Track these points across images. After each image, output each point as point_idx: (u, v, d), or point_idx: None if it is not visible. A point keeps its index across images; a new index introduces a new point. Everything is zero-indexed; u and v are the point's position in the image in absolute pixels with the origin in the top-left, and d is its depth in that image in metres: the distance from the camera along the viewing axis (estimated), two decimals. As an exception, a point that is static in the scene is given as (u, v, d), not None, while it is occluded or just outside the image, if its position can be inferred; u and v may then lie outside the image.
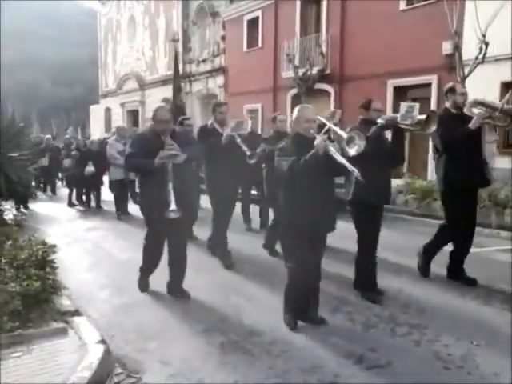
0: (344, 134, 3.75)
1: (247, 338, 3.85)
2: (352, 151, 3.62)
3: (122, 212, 9.99)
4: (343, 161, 3.60)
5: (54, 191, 14.63)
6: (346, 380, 3.22)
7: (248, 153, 5.66)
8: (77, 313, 4.13)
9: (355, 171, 3.59)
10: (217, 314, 4.41)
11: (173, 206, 4.32)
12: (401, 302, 4.68)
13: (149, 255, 4.96)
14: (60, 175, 15.69)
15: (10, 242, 5.13)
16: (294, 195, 3.85)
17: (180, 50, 24.87)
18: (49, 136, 15.21)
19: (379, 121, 4.64)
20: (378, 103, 4.91)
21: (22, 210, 10.48)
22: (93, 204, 11.71)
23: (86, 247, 7.37)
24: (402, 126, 4.49)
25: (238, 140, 5.68)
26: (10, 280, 4.14)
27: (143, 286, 5.06)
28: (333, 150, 3.61)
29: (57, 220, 10.04)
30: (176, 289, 4.89)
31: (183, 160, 4.40)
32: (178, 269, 4.84)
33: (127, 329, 4.08)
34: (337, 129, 3.88)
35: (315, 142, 3.65)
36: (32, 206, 11.31)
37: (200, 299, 4.81)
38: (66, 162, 12.12)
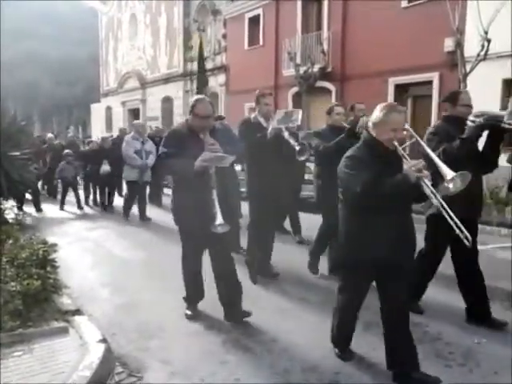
0: (449, 172, 3.01)
1: (249, 337, 3.84)
2: (450, 188, 2.97)
3: (128, 214, 9.53)
4: (438, 198, 2.91)
5: (54, 194, 13.18)
6: (346, 379, 3.21)
7: (297, 147, 4.82)
8: (77, 312, 4.13)
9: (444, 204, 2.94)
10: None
11: (220, 219, 3.69)
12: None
13: (191, 277, 4.34)
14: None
15: (10, 241, 5.13)
16: (363, 218, 3.03)
17: (181, 48, 24.89)
18: (51, 135, 14.35)
19: (473, 119, 3.85)
20: (467, 95, 4.14)
21: (35, 213, 10.35)
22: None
23: (100, 254, 7.37)
24: (507, 127, 3.66)
25: (286, 134, 4.85)
26: (11, 279, 4.14)
27: (193, 315, 4.29)
28: (426, 183, 2.86)
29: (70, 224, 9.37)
30: (236, 313, 4.14)
31: (229, 163, 3.78)
32: (230, 288, 4.14)
33: (128, 328, 4.07)
34: (440, 163, 3.13)
35: (404, 167, 2.89)
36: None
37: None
38: (103, 169, 10.76)
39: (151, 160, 9.06)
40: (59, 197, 11.89)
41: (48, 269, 4.60)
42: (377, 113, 3.05)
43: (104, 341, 3.50)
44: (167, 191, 11.06)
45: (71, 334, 3.67)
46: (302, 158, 4.91)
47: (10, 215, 7.57)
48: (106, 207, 10.92)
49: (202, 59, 11.73)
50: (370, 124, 3.10)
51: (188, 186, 3.86)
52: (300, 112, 5.01)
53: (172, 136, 4.01)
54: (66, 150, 11.53)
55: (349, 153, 3.10)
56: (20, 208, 9.86)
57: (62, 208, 11.11)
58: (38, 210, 10.58)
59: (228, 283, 4.14)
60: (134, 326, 4.12)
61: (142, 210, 9.41)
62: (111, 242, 7.65)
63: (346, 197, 3.11)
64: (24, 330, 3.60)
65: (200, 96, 3.97)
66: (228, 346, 3.68)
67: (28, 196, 10.40)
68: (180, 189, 4.02)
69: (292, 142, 4.83)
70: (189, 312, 4.31)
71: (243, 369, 3.33)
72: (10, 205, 7.90)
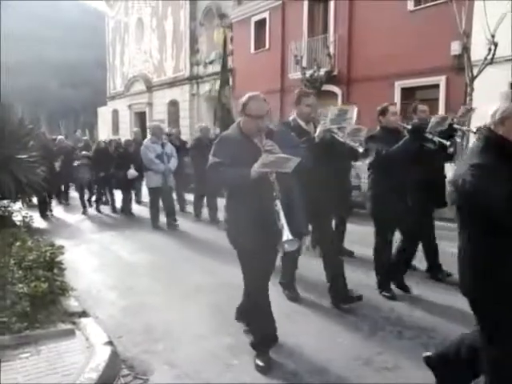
0: None
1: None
2: None
3: (157, 222, 8.85)
4: None
5: (66, 198, 12.57)
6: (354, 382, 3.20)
7: (361, 149, 4.24)
8: (84, 314, 4.14)
9: None
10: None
11: (287, 234, 2.99)
12: (409, 305, 4.65)
13: (261, 314, 3.55)
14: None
15: (18, 243, 5.16)
16: (502, 240, 2.36)
17: (187, 51, 24.98)
18: (62, 137, 13.59)
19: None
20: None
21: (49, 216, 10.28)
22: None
23: (107, 257, 7.39)
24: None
25: (340, 135, 4.29)
26: (19, 281, 4.16)
27: (265, 366, 3.37)
28: None
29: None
30: None
31: (294, 166, 3.14)
32: None
33: (134, 330, 4.08)
34: None
35: None
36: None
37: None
38: (131, 174, 10.26)
39: (173, 164, 8.79)
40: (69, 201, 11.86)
41: (55, 271, 4.62)
42: (504, 104, 2.43)
43: (110, 343, 3.51)
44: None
45: (78, 336, 3.69)
46: (367, 162, 4.52)
47: (17, 217, 7.60)
48: (126, 212, 10.55)
49: (225, 56, 11.14)
50: (492, 120, 2.46)
51: (245, 199, 3.29)
52: (355, 109, 4.51)
53: (223, 143, 3.41)
54: (83, 152, 11.32)
55: (475, 160, 2.40)
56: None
57: (85, 212, 10.78)
58: (44, 216, 10.31)
59: None
60: (140, 328, 4.12)
61: (171, 218, 8.81)
62: (123, 246, 7.67)
63: (479, 215, 2.39)
64: (31, 332, 3.61)
65: (253, 93, 3.41)
66: (234, 350, 3.68)
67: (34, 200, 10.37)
68: (236, 202, 3.41)
69: (351, 143, 4.30)
70: (260, 363, 3.38)
71: (249, 372, 3.33)
72: (17, 207, 7.94)
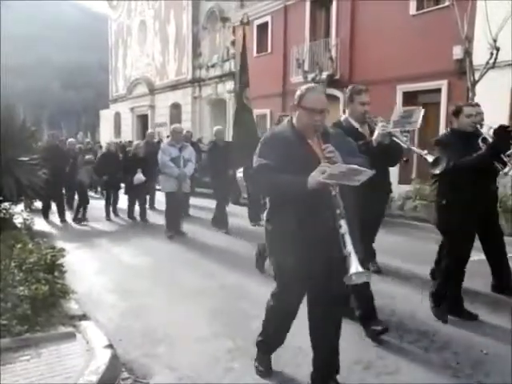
0: None
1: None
2: None
3: (173, 231, 8.31)
4: None
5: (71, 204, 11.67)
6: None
7: (430, 159, 3.67)
8: (84, 317, 4.14)
9: None
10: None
11: (356, 265, 2.47)
12: (410, 309, 4.64)
13: (278, 323, 3.32)
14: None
15: (19, 246, 5.16)
16: None
17: (190, 54, 25.04)
18: (72, 139, 12.98)
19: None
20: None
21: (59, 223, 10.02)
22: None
23: (107, 260, 7.38)
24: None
25: (404, 140, 3.81)
26: (19, 284, 4.16)
27: (264, 371, 3.32)
28: None
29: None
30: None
31: (364, 180, 2.66)
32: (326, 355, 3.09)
33: (135, 333, 4.08)
34: None
35: None
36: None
37: None
38: (137, 178, 9.96)
39: (190, 169, 8.39)
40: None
41: (56, 274, 4.62)
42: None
43: (110, 346, 3.50)
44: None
45: (78, 339, 3.68)
46: (437, 172, 3.83)
47: (18, 220, 7.62)
48: (133, 217, 10.32)
49: (245, 55, 10.59)
50: None
51: (295, 212, 2.77)
52: (422, 111, 4.02)
53: (271, 141, 2.89)
54: (87, 156, 11.04)
55: None
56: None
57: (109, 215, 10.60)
58: (63, 220, 10.10)
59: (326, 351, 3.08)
60: (140, 331, 4.12)
61: (178, 223, 8.50)
62: (120, 248, 7.68)
63: None
64: (31, 335, 3.61)
65: (311, 84, 3.02)
66: (235, 353, 3.68)
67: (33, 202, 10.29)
68: (282, 214, 2.85)
69: (417, 150, 3.84)
70: (261, 368, 3.34)
71: (250, 376, 3.32)
72: (19, 209, 7.95)
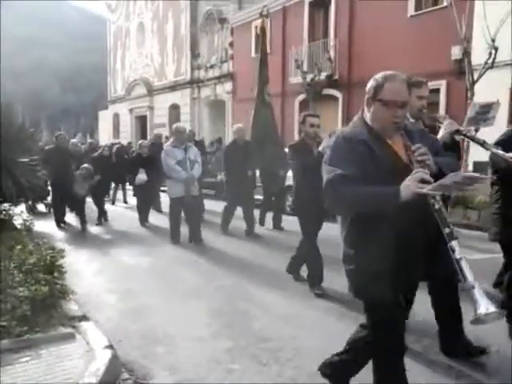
0: None
1: (256, 344, 3.83)
2: None
3: (178, 238, 7.97)
4: None
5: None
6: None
7: None
8: (84, 318, 4.13)
9: None
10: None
11: (486, 304, 1.98)
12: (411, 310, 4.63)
13: (390, 363, 2.52)
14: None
15: (19, 247, 5.15)
16: None
17: (188, 55, 25.05)
18: (75, 140, 12.49)
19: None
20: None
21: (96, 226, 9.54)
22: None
23: (106, 261, 7.38)
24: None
25: (481, 141, 3.20)
26: (19, 284, 4.15)
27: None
28: None
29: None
30: None
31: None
32: None
33: (134, 334, 4.07)
34: None
35: None
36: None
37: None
38: (139, 179, 9.64)
39: (197, 171, 7.84)
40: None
41: (55, 274, 4.61)
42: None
43: (110, 347, 3.49)
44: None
45: (78, 339, 3.67)
46: None
47: (18, 221, 7.60)
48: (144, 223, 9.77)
49: (264, 48, 9.89)
50: None
51: (387, 231, 2.23)
52: (499, 105, 3.61)
53: (344, 146, 2.32)
54: (85, 165, 9.83)
55: None
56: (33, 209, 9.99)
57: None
58: (100, 223, 9.79)
59: None
60: (140, 332, 4.12)
61: (194, 231, 7.90)
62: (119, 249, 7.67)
63: None
64: (31, 336, 3.60)
65: (389, 72, 2.41)
66: (234, 354, 3.67)
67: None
68: (369, 235, 2.30)
69: (500, 151, 3.23)
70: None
71: (249, 377, 3.32)
72: (18, 210, 7.94)
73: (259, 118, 8.38)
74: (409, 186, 2.08)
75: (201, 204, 9.54)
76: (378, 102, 2.34)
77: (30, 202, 10.35)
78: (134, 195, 10.17)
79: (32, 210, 10.64)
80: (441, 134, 3.38)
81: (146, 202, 9.96)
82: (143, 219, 9.77)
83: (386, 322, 2.40)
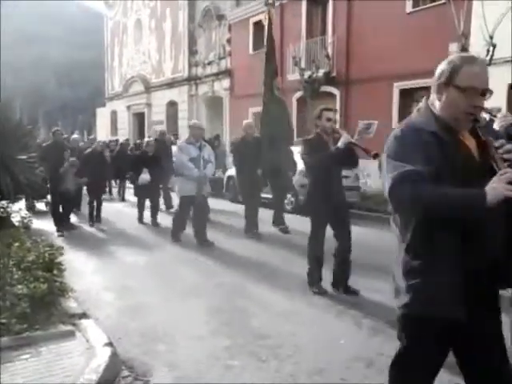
0: None
1: (254, 341, 3.84)
2: None
3: (179, 236, 7.79)
4: None
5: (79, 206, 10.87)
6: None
7: None
8: (84, 315, 4.14)
9: None
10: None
11: None
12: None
13: None
14: None
15: (17, 244, 5.15)
16: None
17: (186, 52, 25.00)
18: (76, 136, 11.90)
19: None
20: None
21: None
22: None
23: (106, 258, 7.38)
24: None
25: None
26: (18, 282, 4.15)
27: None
28: None
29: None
30: None
31: None
32: None
33: (134, 332, 4.08)
34: None
35: None
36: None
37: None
38: (142, 178, 9.34)
39: (210, 170, 7.65)
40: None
41: (54, 272, 4.61)
42: None
43: (110, 344, 3.50)
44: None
45: (77, 337, 3.68)
46: None
47: (16, 218, 7.60)
48: (142, 222, 9.63)
49: (271, 40, 9.00)
50: None
51: (459, 240, 1.90)
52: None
53: (411, 138, 1.97)
54: (71, 158, 9.07)
55: None
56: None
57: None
58: (92, 224, 9.33)
59: None
60: (140, 330, 4.12)
61: (201, 232, 7.60)
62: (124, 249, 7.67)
63: None
64: (31, 333, 3.61)
65: (467, 54, 1.98)
66: (233, 351, 3.68)
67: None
68: (439, 246, 1.93)
69: None
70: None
71: (249, 374, 3.33)
72: (17, 208, 7.93)
73: (268, 114, 7.98)
74: (496, 189, 1.74)
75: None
76: (454, 88, 1.98)
77: (29, 201, 10.29)
78: (136, 195, 9.95)
79: (31, 209, 10.59)
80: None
81: (151, 201, 9.66)
82: (141, 217, 9.72)
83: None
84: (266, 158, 8.07)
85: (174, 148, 9.75)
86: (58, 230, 8.60)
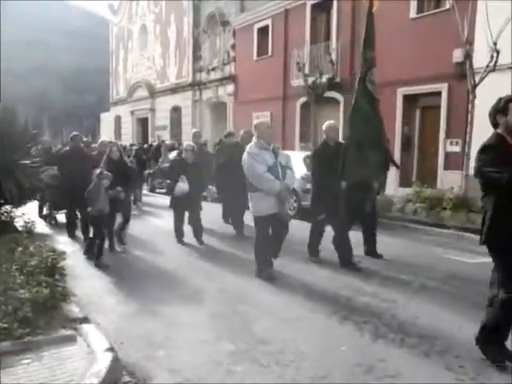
0: None
1: (257, 347, 3.83)
2: None
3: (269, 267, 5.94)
4: None
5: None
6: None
7: None
8: (85, 320, 4.14)
9: None
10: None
11: None
12: (410, 313, 4.63)
13: None
14: None
15: (20, 249, 5.16)
16: None
17: (190, 58, 25.10)
18: (105, 139, 9.90)
19: None
20: None
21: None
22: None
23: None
24: None
25: None
26: (20, 286, 4.16)
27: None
28: None
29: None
30: None
31: None
32: None
33: (136, 337, 4.07)
34: None
35: None
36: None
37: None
38: (180, 189, 7.66)
39: (291, 179, 5.91)
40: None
41: (56, 277, 4.62)
42: None
43: (111, 349, 3.50)
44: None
45: (79, 342, 3.68)
46: None
47: (19, 223, 7.62)
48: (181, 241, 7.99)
49: (371, 28, 7.09)
50: None
51: None
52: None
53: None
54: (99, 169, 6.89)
55: None
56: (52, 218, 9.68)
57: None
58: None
59: None
60: (141, 335, 4.11)
61: (275, 256, 6.07)
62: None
63: None
64: (32, 338, 3.60)
65: None
66: (236, 356, 3.67)
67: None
68: None
69: None
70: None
71: (251, 379, 3.32)
72: (20, 212, 7.95)
73: (357, 113, 6.32)
74: None
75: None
76: None
77: (48, 212, 9.85)
78: (171, 206, 8.24)
79: (53, 223, 9.61)
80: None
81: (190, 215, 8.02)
82: (180, 235, 8.04)
83: None
84: (351, 170, 6.16)
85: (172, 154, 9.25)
86: (96, 265, 6.45)
